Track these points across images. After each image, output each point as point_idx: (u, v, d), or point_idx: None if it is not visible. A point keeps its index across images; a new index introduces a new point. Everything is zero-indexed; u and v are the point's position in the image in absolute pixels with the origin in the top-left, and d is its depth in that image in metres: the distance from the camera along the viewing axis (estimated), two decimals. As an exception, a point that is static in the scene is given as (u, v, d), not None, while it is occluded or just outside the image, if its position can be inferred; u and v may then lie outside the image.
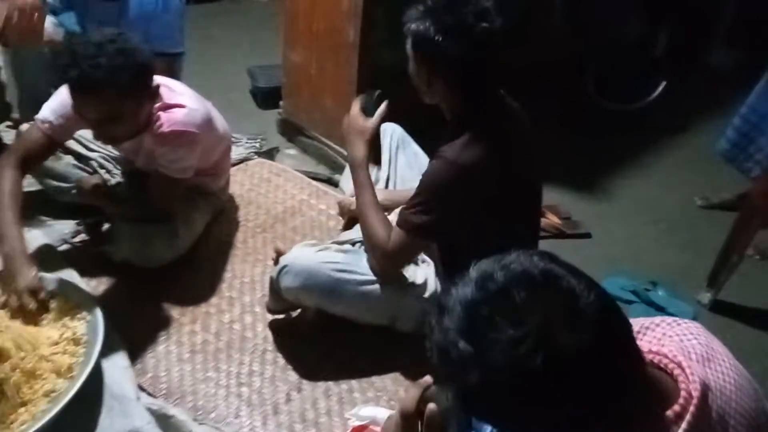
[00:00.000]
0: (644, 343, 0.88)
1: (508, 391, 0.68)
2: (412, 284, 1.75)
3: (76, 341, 1.57)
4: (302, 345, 1.84)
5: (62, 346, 1.55)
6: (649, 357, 0.83)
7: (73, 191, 2.08)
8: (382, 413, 1.66)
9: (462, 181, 1.54)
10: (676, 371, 0.81)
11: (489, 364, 0.67)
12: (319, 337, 1.85)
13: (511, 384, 0.67)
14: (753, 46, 3.13)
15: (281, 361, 1.79)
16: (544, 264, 0.72)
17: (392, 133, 2.16)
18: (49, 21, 2.03)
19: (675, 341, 0.87)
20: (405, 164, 2.14)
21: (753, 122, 2.04)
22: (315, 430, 1.64)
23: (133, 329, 1.78)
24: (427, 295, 1.76)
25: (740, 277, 2.22)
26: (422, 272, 1.79)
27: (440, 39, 1.49)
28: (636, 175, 2.91)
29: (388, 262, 1.69)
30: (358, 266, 1.72)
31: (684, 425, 0.76)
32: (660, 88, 3.21)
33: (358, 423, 1.65)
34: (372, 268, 1.72)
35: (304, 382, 1.74)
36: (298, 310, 1.88)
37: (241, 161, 2.62)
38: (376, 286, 1.72)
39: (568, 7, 3.17)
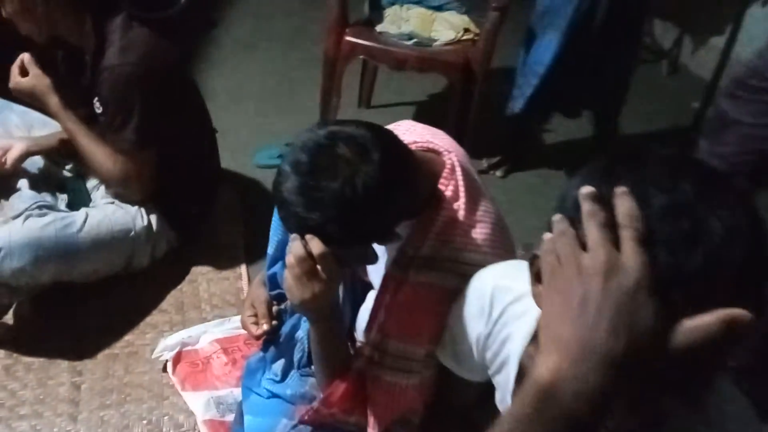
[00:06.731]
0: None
1: (342, 220, 0.93)
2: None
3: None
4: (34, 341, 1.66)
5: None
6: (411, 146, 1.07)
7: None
8: (186, 332, 1.64)
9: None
10: (430, 145, 1.08)
11: (323, 209, 0.92)
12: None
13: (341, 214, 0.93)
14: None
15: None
16: (324, 130, 0.96)
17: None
18: None
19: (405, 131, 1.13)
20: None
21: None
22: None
23: None
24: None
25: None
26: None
27: None
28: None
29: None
30: (73, 215, 1.65)
31: (459, 180, 1.04)
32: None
33: (169, 353, 1.60)
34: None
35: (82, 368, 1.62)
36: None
37: None
38: (103, 227, 1.67)
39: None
